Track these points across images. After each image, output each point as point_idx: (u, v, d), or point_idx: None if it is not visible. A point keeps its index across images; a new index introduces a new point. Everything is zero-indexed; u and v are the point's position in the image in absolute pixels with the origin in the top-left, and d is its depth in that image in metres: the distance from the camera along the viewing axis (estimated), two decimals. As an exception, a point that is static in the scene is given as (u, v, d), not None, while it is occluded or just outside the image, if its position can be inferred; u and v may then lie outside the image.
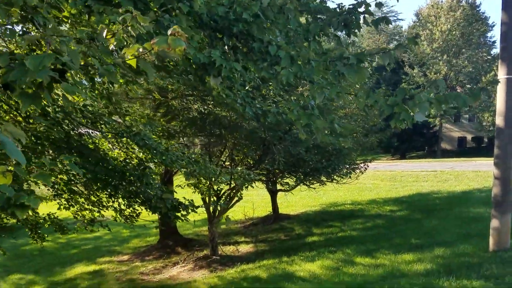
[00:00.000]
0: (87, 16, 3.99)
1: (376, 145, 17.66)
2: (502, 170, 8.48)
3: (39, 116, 6.73)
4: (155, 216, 7.94)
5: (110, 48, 3.11)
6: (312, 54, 3.42)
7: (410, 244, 10.74)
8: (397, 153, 46.80)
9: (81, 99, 8.11)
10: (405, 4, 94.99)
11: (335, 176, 14.54)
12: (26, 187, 9.12)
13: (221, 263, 11.74)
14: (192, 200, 7.09)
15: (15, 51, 2.68)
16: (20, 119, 6.59)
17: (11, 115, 6.50)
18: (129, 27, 2.76)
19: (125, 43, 3.08)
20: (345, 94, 3.47)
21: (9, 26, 3.90)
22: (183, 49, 2.39)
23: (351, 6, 4.10)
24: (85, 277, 12.60)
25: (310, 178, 14.08)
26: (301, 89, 8.87)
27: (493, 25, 47.22)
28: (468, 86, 42.68)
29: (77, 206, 8.30)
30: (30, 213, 8.27)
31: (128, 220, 7.60)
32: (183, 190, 10.13)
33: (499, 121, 8.52)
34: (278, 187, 16.99)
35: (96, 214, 8.13)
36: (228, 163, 12.68)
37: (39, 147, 6.96)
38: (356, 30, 4.08)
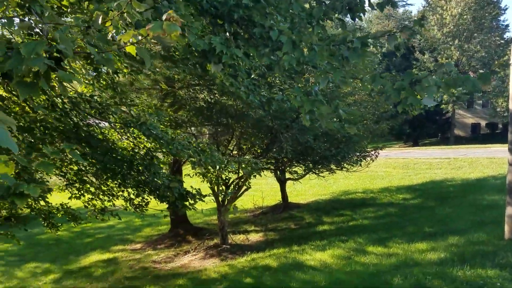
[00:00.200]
0: (86, 4, 3.97)
1: (387, 132, 17.46)
2: (517, 157, 8.32)
3: (46, 107, 6.79)
4: (165, 205, 7.99)
5: (110, 36, 3.08)
6: (315, 38, 3.35)
7: (424, 233, 10.65)
8: (410, 140, 46.34)
9: (89, 90, 8.16)
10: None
11: (345, 164, 14.41)
12: (39, 177, 9.31)
13: (231, 252, 11.80)
14: (199, 189, 7.10)
15: (12, 40, 2.66)
16: (28, 109, 6.66)
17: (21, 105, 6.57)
18: (125, 14, 2.74)
19: (123, 31, 3.06)
20: (351, 79, 3.39)
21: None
22: (178, 34, 2.35)
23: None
24: (99, 265, 12.79)
25: (319, 167, 13.99)
26: (307, 75, 8.76)
27: (506, 8, 46.22)
28: (481, 71, 41.89)
29: (88, 195, 8.38)
30: (42, 203, 8.38)
31: (137, 210, 7.65)
32: (192, 179, 10.16)
33: (512, 106, 8.35)
34: (287, 175, 16.94)
35: (107, 204, 8.20)
36: (236, 152, 12.67)
37: (49, 138, 7.03)
38: (361, 14, 3.98)
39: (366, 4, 3.99)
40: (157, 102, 10.75)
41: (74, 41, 2.83)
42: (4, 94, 6.37)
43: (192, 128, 12.34)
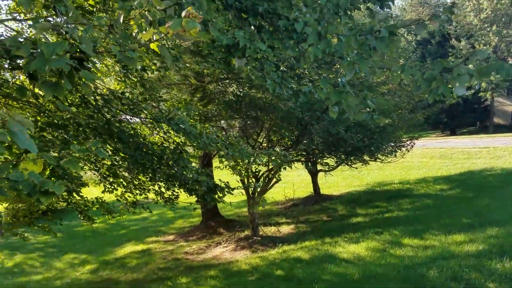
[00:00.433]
0: (111, 2, 3.99)
1: (423, 122, 16.94)
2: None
3: (79, 104, 6.95)
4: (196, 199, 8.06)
5: (133, 34, 3.07)
6: (341, 29, 3.23)
7: (461, 224, 10.31)
8: (447, 129, 44.85)
9: (121, 86, 8.30)
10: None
11: (379, 155, 14.09)
12: (74, 172, 9.58)
13: (262, 243, 11.80)
14: (227, 182, 7.10)
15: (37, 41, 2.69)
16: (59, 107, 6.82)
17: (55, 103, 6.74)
18: (146, 12, 2.73)
19: (146, 28, 3.05)
20: (379, 69, 3.26)
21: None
22: (197, 30, 2.32)
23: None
24: (134, 256, 13.10)
25: (352, 158, 13.74)
26: (337, 66, 8.58)
27: (547, -9, 43.52)
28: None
29: (121, 189, 8.55)
30: (77, 197, 8.61)
31: (167, 203, 7.75)
32: (222, 172, 10.18)
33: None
34: (318, 167, 16.74)
35: (138, 197, 8.35)
36: (265, 144, 12.61)
37: (82, 134, 7.19)
38: (390, 3, 3.83)
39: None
40: (187, 97, 10.83)
41: (97, 40, 2.85)
42: (38, 91, 6.54)
43: (222, 122, 12.37)
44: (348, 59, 3.34)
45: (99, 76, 9.29)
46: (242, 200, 15.30)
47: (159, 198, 8.08)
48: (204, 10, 3.36)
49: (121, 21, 2.84)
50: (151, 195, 8.41)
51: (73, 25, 2.87)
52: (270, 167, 11.06)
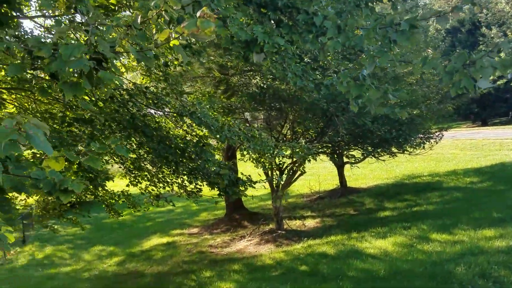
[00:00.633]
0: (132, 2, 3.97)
1: (452, 113, 16.45)
2: None
3: (105, 99, 7.02)
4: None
5: (152, 33, 3.06)
6: (361, 21, 3.11)
7: (492, 219, 10.00)
8: (478, 120, 43.58)
9: (147, 80, 8.34)
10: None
11: (407, 147, 13.77)
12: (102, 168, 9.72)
13: (287, 237, 11.71)
14: (249, 175, 7.03)
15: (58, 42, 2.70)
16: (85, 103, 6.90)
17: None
18: (163, 12, 2.74)
19: (165, 27, 3.03)
20: (400, 62, 3.12)
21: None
22: (212, 30, 2.32)
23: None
24: (159, 249, 13.25)
25: (379, 150, 13.46)
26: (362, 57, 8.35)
27: None
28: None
29: (144, 182, 8.61)
30: (102, 191, 8.74)
31: (190, 196, 7.75)
32: (247, 164, 10.12)
33: None
34: (345, 159, 16.50)
35: (162, 190, 8.38)
36: (290, 136, 12.48)
37: (108, 129, 7.27)
38: None
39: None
40: (210, 90, 10.81)
41: (115, 41, 2.86)
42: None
43: (247, 114, 12.30)
44: (369, 52, 3.22)
45: (124, 71, 9.37)
46: (267, 193, 15.25)
47: (182, 191, 8.09)
48: (223, 7, 3.33)
49: (139, 21, 2.85)
50: (174, 188, 8.44)
51: (93, 26, 2.88)
52: (294, 159, 10.93)
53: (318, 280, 8.14)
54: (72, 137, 6.89)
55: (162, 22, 3.00)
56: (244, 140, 6.18)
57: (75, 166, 7.50)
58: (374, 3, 3.92)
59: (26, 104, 7.89)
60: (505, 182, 13.96)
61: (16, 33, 6.34)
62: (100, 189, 8.17)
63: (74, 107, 7.23)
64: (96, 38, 2.44)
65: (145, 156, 8.13)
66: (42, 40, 2.68)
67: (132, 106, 7.04)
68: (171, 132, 7.76)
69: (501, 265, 6.78)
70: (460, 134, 30.48)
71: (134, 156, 8.31)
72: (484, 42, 40.23)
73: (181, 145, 7.16)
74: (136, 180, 8.54)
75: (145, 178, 8.49)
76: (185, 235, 14.52)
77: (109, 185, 10.04)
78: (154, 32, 2.95)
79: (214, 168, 6.65)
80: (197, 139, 7.37)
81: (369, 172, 20.27)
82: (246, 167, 9.36)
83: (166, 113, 7.62)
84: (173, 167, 7.37)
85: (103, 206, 9.92)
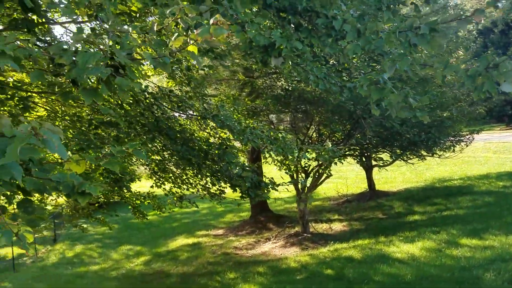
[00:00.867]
0: (152, 8, 4.03)
1: (484, 115, 15.93)
2: None
3: (131, 103, 7.15)
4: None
5: (173, 39, 3.11)
6: (382, 25, 3.05)
7: (525, 224, 9.69)
8: (512, 122, 42.06)
9: (171, 84, 8.45)
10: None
11: (436, 150, 13.42)
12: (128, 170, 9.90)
13: (313, 241, 11.61)
14: (272, 178, 7.00)
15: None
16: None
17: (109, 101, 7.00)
18: (179, 19, 2.78)
19: (184, 33, 3.07)
20: (420, 66, 3.04)
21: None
22: (225, 36, 2.35)
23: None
24: (184, 249, 13.38)
25: (408, 153, 13.18)
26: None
27: None
28: None
29: (168, 184, 8.71)
30: (126, 194, 8.89)
31: (213, 198, 7.79)
32: (273, 166, 10.09)
33: None
34: (373, 162, 16.23)
35: (186, 192, 8.46)
36: (315, 138, 12.37)
37: (133, 132, 7.41)
38: None
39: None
40: (235, 92, 10.85)
41: (132, 48, 2.93)
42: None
43: (272, 116, 12.28)
44: (389, 55, 3.16)
45: (152, 74, 9.53)
46: (292, 196, 15.17)
47: (205, 193, 8.15)
48: (241, 12, 3.35)
49: (155, 29, 2.90)
50: (196, 191, 8.51)
51: (112, 33, 2.95)
52: (320, 162, 10.83)
53: (344, 284, 8.06)
54: (99, 139, 7.05)
55: (180, 29, 3.03)
56: (266, 143, 6.17)
57: (102, 168, 7.68)
58: (397, 6, 3.84)
59: (57, 108, 8.12)
60: (541, 187, 13.44)
61: (47, 38, 6.56)
62: (125, 190, 8.31)
63: (100, 110, 7.40)
64: (112, 46, 2.50)
65: (169, 158, 8.24)
66: (65, 46, 2.76)
67: (156, 109, 7.14)
68: (195, 135, 7.83)
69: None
70: (494, 137, 29.51)
71: (159, 158, 8.43)
72: (519, 42, 38.78)
73: (204, 147, 7.21)
74: (160, 182, 8.64)
75: (169, 180, 8.59)
76: (210, 236, 14.61)
77: (135, 186, 10.21)
78: (172, 39, 2.98)
79: (237, 170, 6.66)
80: (220, 141, 7.41)
81: (398, 175, 19.90)
82: (272, 170, 9.32)
83: (189, 115, 7.70)
84: (196, 169, 7.44)
85: (129, 207, 10.09)
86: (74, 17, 3.98)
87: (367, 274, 8.31)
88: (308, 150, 8.18)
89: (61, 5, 3.34)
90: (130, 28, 3.06)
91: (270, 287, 8.53)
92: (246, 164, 7.45)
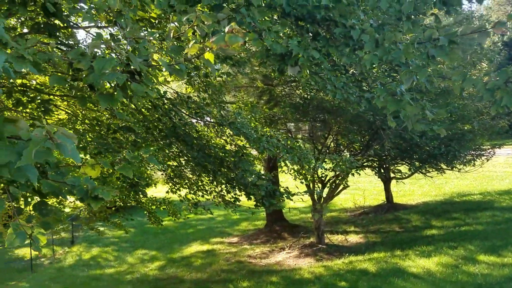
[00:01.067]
0: (171, 15, 4.08)
1: (507, 129, 15.57)
2: None
3: (150, 108, 7.24)
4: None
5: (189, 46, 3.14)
6: (400, 35, 3.02)
7: (546, 242, 9.42)
8: (538, 136, 40.99)
9: (190, 90, 8.50)
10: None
11: (456, 164, 13.16)
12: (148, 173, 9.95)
13: (328, 252, 11.48)
14: (287, 187, 6.96)
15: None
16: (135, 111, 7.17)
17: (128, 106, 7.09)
18: (195, 27, 2.80)
19: (200, 41, 3.10)
20: (438, 78, 3.00)
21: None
22: (240, 44, 2.36)
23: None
24: (199, 256, 13.39)
25: (427, 166, 12.96)
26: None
27: None
28: None
29: (184, 190, 8.73)
30: (143, 199, 8.94)
31: (228, 205, 7.77)
32: (289, 176, 10.05)
33: None
34: (391, 174, 16.01)
35: (201, 199, 8.47)
36: (333, 148, 12.28)
37: (151, 137, 7.47)
38: (457, 8, 3.50)
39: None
40: (253, 100, 10.86)
41: (148, 54, 2.97)
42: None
43: (290, 124, 12.25)
44: (408, 66, 3.12)
45: (171, 80, 9.61)
46: (308, 206, 15.05)
47: (220, 200, 8.15)
48: (258, 21, 3.36)
49: (171, 36, 2.93)
50: (211, 198, 8.51)
51: (130, 39, 2.99)
52: (337, 172, 10.73)
53: (357, 297, 7.95)
54: (117, 143, 7.13)
55: (198, 36, 3.06)
56: (282, 151, 6.15)
57: (118, 174, 7.75)
58: (418, 16, 3.80)
59: (78, 111, 8.24)
60: None
61: (71, 42, 6.70)
62: (141, 195, 8.37)
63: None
64: (128, 52, 2.53)
65: (185, 164, 8.27)
66: (86, 51, 2.80)
67: (174, 115, 7.20)
68: (212, 141, 7.85)
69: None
70: (517, 151, 28.83)
71: (175, 164, 8.47)
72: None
73: (220, 154, 7.22)
74: (176, 188, 8.68)
75: (185, 186, 8.62)
76: (224, 244, 14.59)
77: (152, 192, 10.27)
78: (189, 46, 3.01)
79: (252, 178, 6.65)
80: (236, 149, 7.41)
81: (417, 189, 19.58)
82: (288, 179, 9.27)
83: (206, 122, 7.74)
84: (212, 176, 7.45)
85: (145, 212, 10.15)
86: (92, 24, 4.07)
87: (381, 287, 8.20)
88: (325, 160, 8.13)
89: (83, 10, 3.41)
90: (148, 35, 3.10)
91: (283, 297, 8.48)
92: (262, 173, 7.44)
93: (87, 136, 7.41)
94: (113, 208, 11.59)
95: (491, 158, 14.83)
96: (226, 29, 2.36)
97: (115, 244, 16.31)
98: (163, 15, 4.42)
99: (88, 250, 15.62)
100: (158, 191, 15.24)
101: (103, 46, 2.85)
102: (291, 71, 3.43)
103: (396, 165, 14.33)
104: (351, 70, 7.58)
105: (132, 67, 2.68)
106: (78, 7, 3.51)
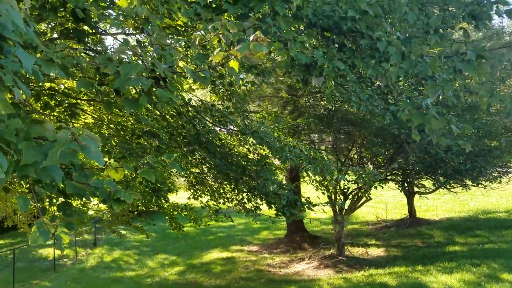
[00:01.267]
0: (197, 23, 4.14)
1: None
2: None
3: (174, 115, 7.33)
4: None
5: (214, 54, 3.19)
6: (427, 49, 2.98)
7: None
8: None
9: (216, 98, 8.58)
10: None
11: (482, 180, 12.84)
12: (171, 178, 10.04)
13: (348, 264, 11.34)
14: (308, 198, 6.92)
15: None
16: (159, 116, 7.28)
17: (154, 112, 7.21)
18: (220, 35, 2.83)
19: (226, 49, 3.13)
20: (465, 92, 2.95)
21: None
22: (264, 53, 2.36)
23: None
24: (218, 263, 13.41)
25: (452, 181, 12.68)
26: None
27: None
28: None
29: (205, 196, 8.79)
30: (164, 205, 9.02)
31: (248, 214, 7.77)
32: (312, 186, 10.01)
33: None
34: (415, 189, 15.75)
35: (222, 206, 8.50)
36: (356, 161, 12.16)
37: (174, 143, 7.57)
38: (487, 22, 3.45)
39: (493, 11, 3.45)
40: (278, 110, 10.88)
41: (173, 61, 3.01)
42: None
43: (314, 135, 12.21)
44: (434, 80, 3.08)
45: (196, 88, 9.73)
46: (329, 217, 14.92)
47: (241, 208, 8.16)
48: (284, 30, 3.37)
49: (197, 43, 2.97)
50: (233, 205, 8.54)
51: (156, 46, 3.06)
52: (360, 185, 10.61)
53: (375, 312, 7.80)
54: (141, 148, 7.24)
55: (223, 44, 3.09)
56: (305, 162, 6.13)
57: (141, 177, 7.84)
58: (446, 30, 3.75)
59: (104, 116, 8.42)
60: None
61: (99, 48, 6.88)
62: (163, 200, 8.46)
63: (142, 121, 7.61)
64: (153, 58, 2.58)
65: (208, 171, 8.33)
66: (112, 56, 2.87)
67: (198, 123, 7.27)
68: (234, 150, 7.88)
69: None
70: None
71: (198, 170, 8.53)
72: None
73: (243, 162, 7.24)
74: (198, 194, 8.74)
75: (207, 193, 8.67)
76: (244, 252, 14.58)
77: (174, 198, 10.36)
78: (214, 54, 3.05)
79: (273, 187, 6.64)
80: (259, 158, 7.43)
81: (441, 204, 19.18)
82: (310, 189, 9.22)
83: (230, 130, 7.79)
84: (234, 184, 7.47)
85: (166, 218, 10.24)
86: (119, 30, 4.18)
87: (400, 303, 8.04)
88: (348, 172, 8.04)
89: (111, 17, 3.50)
90: (173, 42, 3.15)
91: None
92: (284, 182, 7.42)
93: (112, 141, 7.54)
94: (135, 212, 11.75)
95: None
96: (251, 38, 2.36)
97: (136, 247, 16.51)
98: (189, 23, 4.48)
99: (110, 253, 15.86)
100: (180, 197, 15.36)
101: (129, 52, 2.91)
102: (316, 82, 3.43)
103: (420, 180, 14.08)
104: (377, 83, 7.52)
105: (157, 73, 2.73)
106: (107, 14, 3.60)
